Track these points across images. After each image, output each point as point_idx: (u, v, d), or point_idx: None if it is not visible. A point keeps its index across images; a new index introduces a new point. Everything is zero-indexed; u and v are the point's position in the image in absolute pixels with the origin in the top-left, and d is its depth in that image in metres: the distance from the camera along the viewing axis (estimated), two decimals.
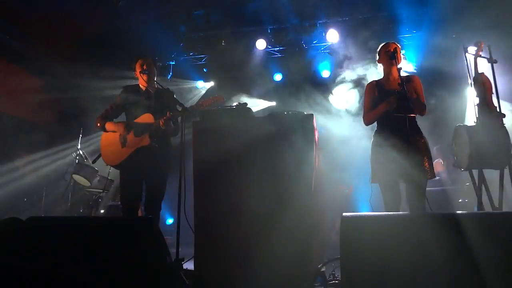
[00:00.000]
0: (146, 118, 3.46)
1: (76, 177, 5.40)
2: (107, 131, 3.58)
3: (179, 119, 3.34)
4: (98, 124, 3.60)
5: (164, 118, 3.30)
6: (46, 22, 6.85)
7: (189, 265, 2.98)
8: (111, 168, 3.82)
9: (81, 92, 8.26)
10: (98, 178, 5.58)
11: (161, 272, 2.12)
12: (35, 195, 6.16)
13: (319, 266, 2.95)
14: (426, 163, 3.13)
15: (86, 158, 5.74)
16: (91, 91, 8.13)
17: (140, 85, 3.68)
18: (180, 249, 2.78)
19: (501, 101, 3.39)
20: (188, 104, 3.48)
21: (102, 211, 5.71)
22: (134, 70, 3.68)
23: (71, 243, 2.20)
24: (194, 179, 3.18)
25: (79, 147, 5.73)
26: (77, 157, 5.63)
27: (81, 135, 5.92)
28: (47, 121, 7.97)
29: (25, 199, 6.10)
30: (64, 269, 2.11)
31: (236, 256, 2.88)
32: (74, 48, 7.74)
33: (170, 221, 6.94)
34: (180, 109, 3.29)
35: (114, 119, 3.67)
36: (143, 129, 3.41)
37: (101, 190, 5.69)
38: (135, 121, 3.52)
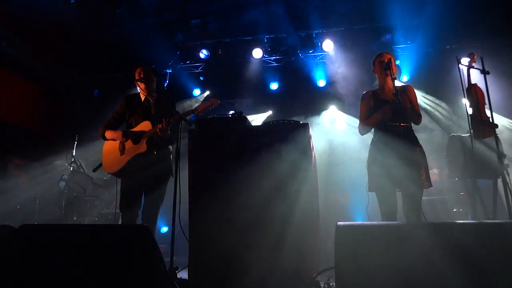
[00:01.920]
0: (144, 125, 3.49)
1: (71, 184, 5.36)
2: (107, 139, 3.62)
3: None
4: (100, 133, 3.67)
5: (160, 125, 3.32)
6: (44, 30, 6.87)
7: (183, 274, 2.96)
8: (108, 176, 3.82)
9: (78, 99, 8.27)
10: (92, 186, 5.54)
11: (155, 281, 2.11)
12: (29, 202, 6.09)
13: (313, 275, 2.94)
14: (423, 173, 3.14)
15: (81, 166, 5.71)
16: (88, 99, 8.14)
17: (140, 94, 3.72)
18: (174, 258, 2.76)
19: (493, 112, 3.42)
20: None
21: (96, 218, 5.66)
22: (134, 78, 3.71)
23: (64, 251, 2.18)
24: (190, 187, 3.17)
25: (74, 154, 5.70)
26: (72, 165, 5.59)
27: (76, 143, 5.89)
28: (43, 128, 7.94)
29: (18, 207, 6.02)
30: (56, 277, 2.09)
31: (231, 266, 2.87)
32: (72, 55, 7.76)
33: (164, 229, 6.89)
34: (177, 116, 3.31)
35: (117, 128, 3.72)
36: (140, 136, 3.44)
37: (95, 198, 5.65)
38: (133, 128, 3.55)
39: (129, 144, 3.48)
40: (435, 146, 5.98)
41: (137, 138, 3.46)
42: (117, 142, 3.54)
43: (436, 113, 6.94)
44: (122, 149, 3.49)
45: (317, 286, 2.84)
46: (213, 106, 3.41)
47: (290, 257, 2.74)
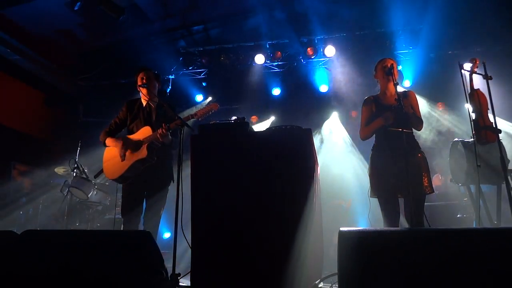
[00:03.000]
0: (145, 131, 3.49)
1: (73, 190, 5.37)
2: (108, 146, 3.62)
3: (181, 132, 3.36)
4: (101, 139, 3.69)
5: (160, 130, 3.33)
6: (47, 36, 6.93)
7: (185, 281, 2.94)
8: (110, 181, 3.82)
9: (80, 105, 8.31)
10: (95, 191, 5.55)
11: (157, 287, 2.10)
12: (32, 208, 6.11)
13: (316, 282, 2.92)
14: (425, 178, 3.14)
15: (84, 172, 5.72)
16: (91, 105, 8.19)
17: (142, 99, 3.72)
18: (176, 264, 2.75)
19: (496, 117, 3.41)
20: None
21: (98, 224, 5.66)
22: (136, 83, 3.71)
23: (67, 257, 2.18)
24: (192, 193, 3.16)
25: (76, 160, 5.71)
26: (75, 170, 5.60)
27: (79, 149, 5.91)
28: (46, 134, 7.98)
29: (21, 212, 6.04)
30: (59, 283, 2.09)
31: (233, 272, 2.85)
32: (75, 61, 7.82)
33: (167, 235, 6.87)
34: (178, 121, 3.31)
35: (118, 133, 3.73)
36: (141, 142, 3.44)
37: (98, 204, 5.65)
38: (134, 134, 3.55)
39: (129, 150, 3.49)
40: (438, 152, 5.96)
41: (137, 143, 3.47)
42: (118, 148, 3.55)
43: (439, 117, 6.93)
44: (123, 155, 3.49)
45: None
46: (213, 111, 3.42)
47: (293, 264, 2.73)
